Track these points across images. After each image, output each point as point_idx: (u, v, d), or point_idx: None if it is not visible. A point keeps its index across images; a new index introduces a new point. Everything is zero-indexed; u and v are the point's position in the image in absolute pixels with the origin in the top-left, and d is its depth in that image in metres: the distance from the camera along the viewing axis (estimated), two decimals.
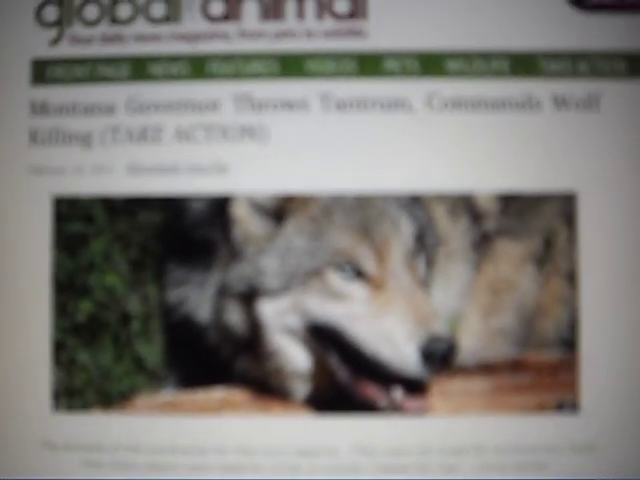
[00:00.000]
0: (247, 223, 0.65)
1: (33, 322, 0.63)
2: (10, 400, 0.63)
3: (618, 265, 0.63)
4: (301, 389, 0.66)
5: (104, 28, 0.65)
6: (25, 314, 0.63)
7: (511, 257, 0.70)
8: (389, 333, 0.62)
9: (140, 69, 0.64)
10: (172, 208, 0.68)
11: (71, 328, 0.67)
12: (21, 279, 0.63)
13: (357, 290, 0.64)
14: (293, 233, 0.65)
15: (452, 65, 0.64)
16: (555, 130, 0.64)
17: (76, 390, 0.67)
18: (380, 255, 0.64)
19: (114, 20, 0.65)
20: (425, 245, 0.67)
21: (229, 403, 0.65)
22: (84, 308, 0.67)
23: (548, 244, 0.70)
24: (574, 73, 0.64)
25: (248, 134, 0.64)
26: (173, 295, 0.68)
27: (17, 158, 0.64)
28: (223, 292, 0.66)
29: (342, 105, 0.64)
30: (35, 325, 0.63)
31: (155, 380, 0.69)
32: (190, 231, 0.67)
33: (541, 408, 0.64)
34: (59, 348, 0.64)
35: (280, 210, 0.65)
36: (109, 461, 0.62)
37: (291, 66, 0.64)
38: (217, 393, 0.65)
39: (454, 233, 0.69)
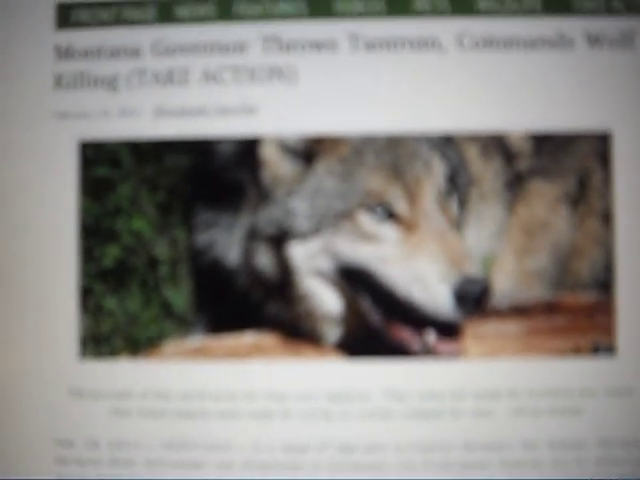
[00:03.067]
0: (276, 165, 0.65)
1: (59, 268, 0.63)
2: (37, 348, 0.63)
3: None
4: (332, 333, 0.66)
5: None
6: (51, 260, 0.63)
7: (545, 197, 0.70)
8: (421, 275, 0.62)
9: (166, 11, 0.64)
10: (200, 151, 0.68)
11: (98, 274, 0.67)
12: (47, 225, 0.63)
13: (389, 231, 0.63)
14: (323, 174, 0.64)
15: (483, 3, 0.63)
16: (588, 69, 0.63)
17: (103, 337, 0.67)
18: (412, 196, 0.64)
19: None
20: (457, 186, 0.66)
21: (259, 348, 0.65)
22: (111, 253, 0.68)
23: (582, 184, 0.70)
24: (608, 10, 0.63)
25: (276, 75, 0.63)
26: (201, 239, 0.68)
27: (42, 103, 0.64)
28: (252, 235, 0.66)
29: (371, 45, 0.63)
30: (61, 271, 0.63)
31: (183, 325, 0.69)
32: (218, 174, 0.67)
33: (576, 351, 0.63)
34: (86, 294, 0.64)
35: (309, 151, 0.64)
36: (137, 408, 0.62)
37: (319, 6, 0.63)
38: (247, 338, 0.66)
39: (487, 173, 0.69)
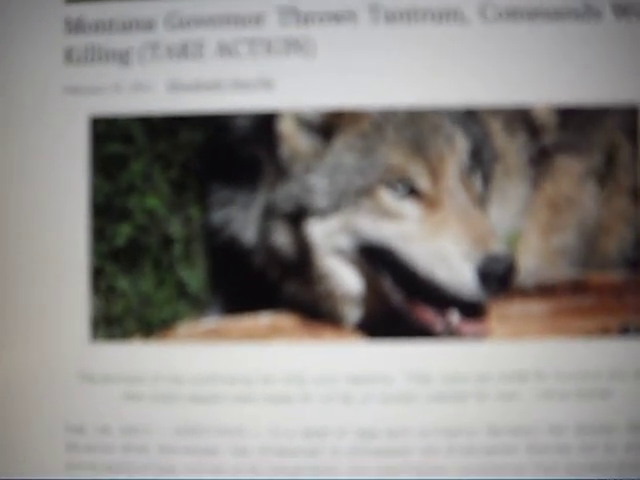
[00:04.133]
0: (294, 140, 0.64)
1: (70, 248, 0.63)
2: (47, 330, 0.62)
3: None
4: (353, 313, 0.66)
5: None
6: (62, 239, 0.63)
7: (571, 173, 0.70)
8: (444, 253, 0.61)
9: None
10: (215, 126, 0.68)
11: (110, 253, 0.67)
12: (58, 203, 0.63)
13: (410, 209, 0.63)
14: (342, 150, 0.64)
15: None
16: (615, 40, 0.62)
17: (115, 318, 0.67)
18: (434, 172, 0.63)
19: None
20: (481, 161, 0.66)
21: (277, 329, 0.65)
22: (123, 232, 0.67)
23: (610, 160, 0.69)
24: None
25: (294, 48, 0.63)
26: (217, 217, 0.68)
27: (52, 78, 0.64)
28: (270, 213, 0.65)
29: (391, 16, 0.62)
30: (72, 251, 0.63)
31: (198, 306, 0.69)
32: (234, 150, 0.67)
33: (605, 332, 0.63)
34: (97, 274, 0.64)
35: (328, 126, 0.64)
36: (150, 393, 0.62)
37: None
38: (264, 319, 0.65)
39: (511, 148, 0.69)
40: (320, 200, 0.63)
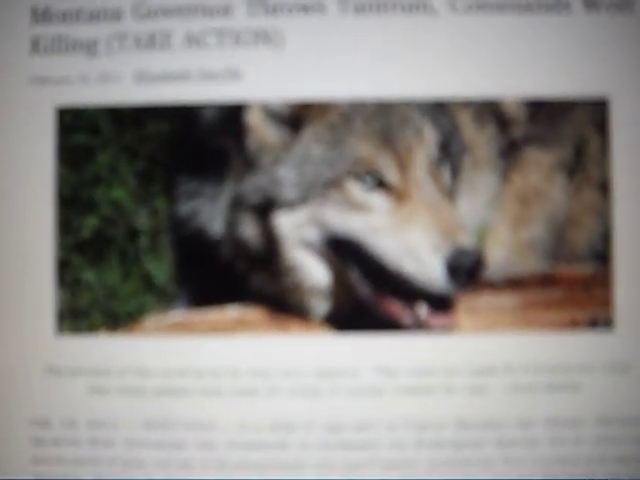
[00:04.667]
0: (262, 131, 0.65)
1: (36, 240, 0.63)
2: (12, 323, 0.63)
3: None
4: (320, 306, 0.66)
5: None
6: (27, 231, 0.63)
7: (540, 166, 0.71)
8: (412, 246, 0.62)
9: None
10: (182, 117, 0.68)
11: (76, 245, 0.68)
12: (23, 195, 0.63)
13: (379, 201, 0.63)
14: (310, 141, 0.64)
15: None
16: (585, 33, 0.63)
17: (81, 311, 0.67)
18: (403, 164, 0.63)
19: None
20: (450, 154, 0.66)
21: (244, 322, 0.65)
22: (89, 224, 0.68)
23: (579, 152, 0.70)
24: None
25: (262, 39, 0.63)
26: (184, 209, 0.68)
27: (18, 68, 0.64)
28: (237, 204, 0.66)
29: (360, 7, 0.63)
30: (38, 243, 0.63)
31: (165, 299, 0.69)
32: (201, 141, 0.67)
33: (573, 325, 0.63)
34: (63, 267, 0.64)
35: (296, 117, 0.64)
36: (116, 386, 0.62)
37: None
38: (231, 312, 0.66)
39: (480, 141, 0.70)
40: (288, 192, 0.64)
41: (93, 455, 0.61)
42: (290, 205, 0.64)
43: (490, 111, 0.69)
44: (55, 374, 0.62)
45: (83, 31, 0.63)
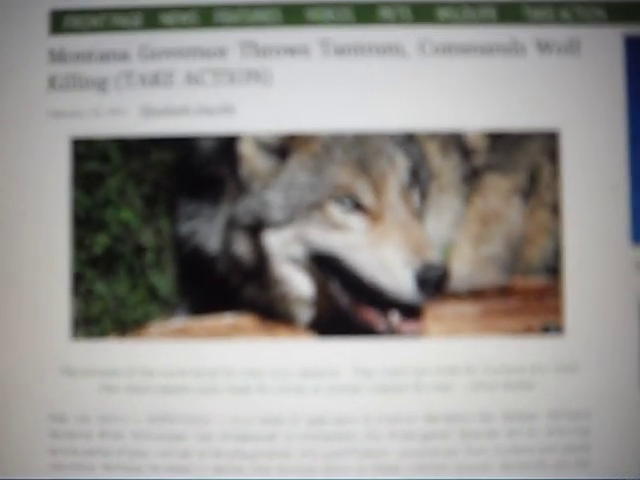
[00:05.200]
0: (253, 160, 0.66)
1: (53, 255, 0.64)
2: (32, 328, 0.64)
3: (598, 197, 0.64)
4: (305, 314, 0.67)
5: None
6: (46, 248, 0.64)
7: (499, 190, 0.71)
8: (386, 261, 0.63)
9: (152, 18, 0.65)
10: (183, 147, 0.68)
11: (88, 260, 0.67)
12: (42, 215, 0.64)
13: (356, 221, 0.65)
14: (296, 169, 0.65)
15: (442, 13, 0.65)
16: (539, 73, 0.64)
17: (93, 318, 0.67)
18: (377, 189, 0.65)
19: None
20: (419, 179, 0.67)
21: (237, 328, 0.65)
22: (101, 241, 0.68)
23: (533, 178, 0.70)
24: (556, 20, 0.65)
25: (253, 78, 0.64)
26: (184, 228, 0.69)
27: (37, 103, 0.65)
28: (231, 225, 0.67)
29: (340, 50, 0.65)
30: (55, 258, 0.64)
31: (167, 308, 0.69)
32: (200, 168, 0.68)
33: (528, 331, 0.64)
34: (77, 279, 0.65)
35: (284, 148, 0.65)
36: (125, 385, 0.63)
37: (293, 14, 0.65)
38: (226, 319, 0.66)
39: (446, 168, 0.70)
40: (276, 214, 0.65)
41: (103, 446, 0.63)
42: (278, 225, 0.65)
43: (454, 142, 0.70)
44: (70, 374, 0.63)
45: (94, 70, 0.65)
